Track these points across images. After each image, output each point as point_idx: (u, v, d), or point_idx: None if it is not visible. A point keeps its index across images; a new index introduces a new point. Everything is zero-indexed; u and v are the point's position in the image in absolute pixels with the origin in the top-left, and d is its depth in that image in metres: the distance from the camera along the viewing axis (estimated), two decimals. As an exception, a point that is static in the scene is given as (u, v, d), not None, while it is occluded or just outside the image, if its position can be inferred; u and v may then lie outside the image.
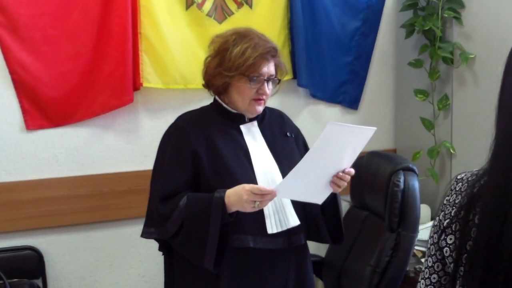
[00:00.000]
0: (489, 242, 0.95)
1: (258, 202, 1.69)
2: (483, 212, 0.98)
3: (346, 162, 1.75)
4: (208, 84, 1.93)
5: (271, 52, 1.86)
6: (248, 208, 1.71)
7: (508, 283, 0.93)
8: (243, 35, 1.86)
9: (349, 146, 1.70)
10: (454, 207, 1.06)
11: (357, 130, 1.69)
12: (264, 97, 1.87)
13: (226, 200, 1.74)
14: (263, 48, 1.83)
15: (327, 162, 1.72)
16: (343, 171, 1.76)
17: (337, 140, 1.65)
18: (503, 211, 0.94)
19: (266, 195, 1.68)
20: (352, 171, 1.78)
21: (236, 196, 1.72)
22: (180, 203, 1.79)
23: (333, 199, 1.91)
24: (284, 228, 1.83)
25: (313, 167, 1.68)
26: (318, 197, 1.80)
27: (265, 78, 1.85)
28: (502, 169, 0.97)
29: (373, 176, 2.45)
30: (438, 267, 1.11)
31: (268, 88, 1.87)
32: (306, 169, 1.67)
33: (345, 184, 1.79)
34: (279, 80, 1.92)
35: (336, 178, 1.76)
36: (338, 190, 1.81)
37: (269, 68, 1.86)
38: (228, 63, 1.82)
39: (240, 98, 1.87)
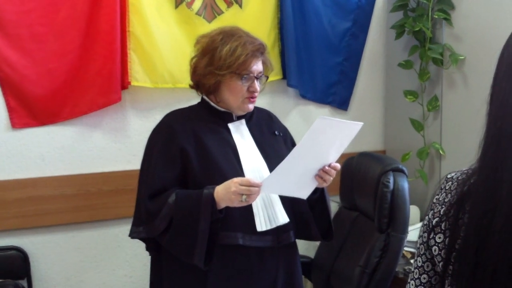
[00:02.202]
0: (478, 237, 0.94)
1: (246, 196, 1.68)
2: (473, 207, 0.97)
3: (332, 157, 1.77)
4: (198, 84, 1.92)
5: (260, 49, 1.88)
6: (236, 202, 1.70)
7: (496, 278, 0.92)
8: (230, 34, 1.86)
9: (336, 141, 1.73)
10: (443, 206, 1.05)
11: (344, 125, 1.72)
12: (255, 94, 1.88)
13: (215, 196, 1.73)
14: (253, 46, 1.84)
15: (314, 157, 1.73)
16: (329, 165, 1.76)
17: (325, 135, 1.67)
18: (492, 205, 0.93)
19: (254, 188, 1.68)
20: (338, 166, 1.79)
21: (224, 190, 1.72)
22: (169, 200, 1.77)
23: (321, 195, 1.92)
24: (274, 226, 1.83)
25: (300, 161, 1.69)
26: (303, 191, 1.81)
27: (255, 75, 1.86)
28: (491, 163, 0.96)
29: (363, 177, 2.45)
30: (428, 266, 1.09)
31: (258, 85, 1.88)
32: (293, 164, 1.68)
33: (331, 178, 1.80)
34: (267, 78, 1.94)
35: (321, 172, 1.77)
36: (324, 184, 1.81)
37: (258, 66, 1.88)
38: (219, 62, 1.82)
39: (232, 97, 1.87)
